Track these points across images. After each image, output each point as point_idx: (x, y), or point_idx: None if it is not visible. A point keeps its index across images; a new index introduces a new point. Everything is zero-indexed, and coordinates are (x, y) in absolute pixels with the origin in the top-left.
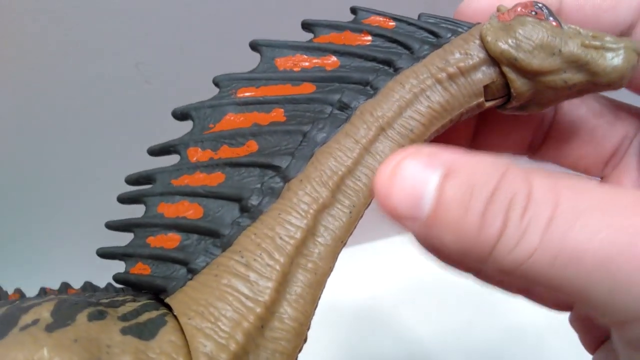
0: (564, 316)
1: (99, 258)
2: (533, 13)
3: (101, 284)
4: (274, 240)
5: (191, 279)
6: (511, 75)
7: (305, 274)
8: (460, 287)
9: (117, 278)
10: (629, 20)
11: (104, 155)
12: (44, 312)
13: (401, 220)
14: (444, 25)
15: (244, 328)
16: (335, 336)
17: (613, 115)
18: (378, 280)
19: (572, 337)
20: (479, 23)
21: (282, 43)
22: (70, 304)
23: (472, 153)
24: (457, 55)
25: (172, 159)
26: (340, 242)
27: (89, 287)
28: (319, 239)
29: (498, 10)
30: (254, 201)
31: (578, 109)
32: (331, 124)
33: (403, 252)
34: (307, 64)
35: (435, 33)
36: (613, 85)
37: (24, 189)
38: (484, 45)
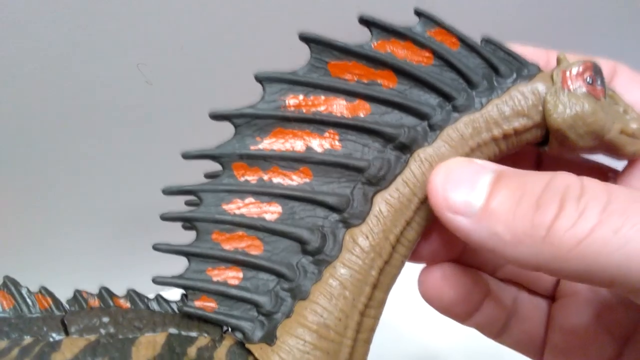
0: None
1: (105, 263)
2: (589, 80)
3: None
4: (347, 300)
5: (274, 331)
6: (554, 143)
7: (368, 320)
8: None
9: (185, 311)
10: None
11: (104, 155)
12: None
13: (455, 213)
14: (507, 60)
15: None
16: None
17: None
18: None
19: None
20: (540, 71)
21: (339, 45)
22: None
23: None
24: (517, 116)
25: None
26: (391, 287)
27: (135, 297)
28: (378, 290)
29: (558, 62)
30: (317, 245)
31: None
32: (388, 166)
33: None
34: (363, 75)
35: (497, 69)
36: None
37: (23, 189)
38: (545, 114)
